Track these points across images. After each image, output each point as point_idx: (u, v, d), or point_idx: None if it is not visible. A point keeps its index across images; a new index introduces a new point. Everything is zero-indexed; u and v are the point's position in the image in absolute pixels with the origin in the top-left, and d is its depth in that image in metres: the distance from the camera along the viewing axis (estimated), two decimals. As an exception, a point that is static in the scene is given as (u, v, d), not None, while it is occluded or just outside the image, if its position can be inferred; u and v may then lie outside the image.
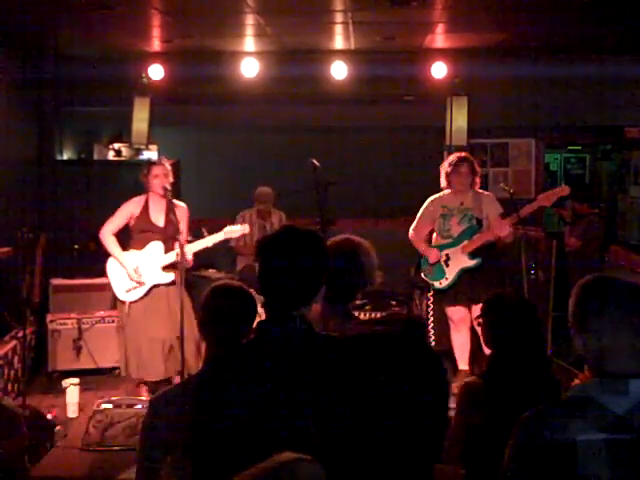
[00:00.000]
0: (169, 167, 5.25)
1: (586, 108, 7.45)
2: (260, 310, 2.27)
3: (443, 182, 5.49)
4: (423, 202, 5.65)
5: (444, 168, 5.49)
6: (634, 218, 7.73)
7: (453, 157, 5.49)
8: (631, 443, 1.61)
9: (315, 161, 5.62)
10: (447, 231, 5.46)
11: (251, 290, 2.77)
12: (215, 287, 2.87)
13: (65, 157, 7.93)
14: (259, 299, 2.29)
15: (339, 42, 6.75)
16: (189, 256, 5.12)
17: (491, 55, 6.99)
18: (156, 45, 6.86)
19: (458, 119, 6.91)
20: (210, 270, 6.88)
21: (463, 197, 5.40)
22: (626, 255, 6.07)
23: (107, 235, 5.21)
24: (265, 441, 1.80)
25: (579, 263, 6.49)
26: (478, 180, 5.53)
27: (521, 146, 7.66)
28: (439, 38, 6.55)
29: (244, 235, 5.78)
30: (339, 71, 6.91)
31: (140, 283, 5.18)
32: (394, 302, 6.79)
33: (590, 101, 7.40)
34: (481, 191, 5.58)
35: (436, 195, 5.59)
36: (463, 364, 5.52)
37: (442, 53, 6.88)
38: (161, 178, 5.14)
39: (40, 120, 7.48)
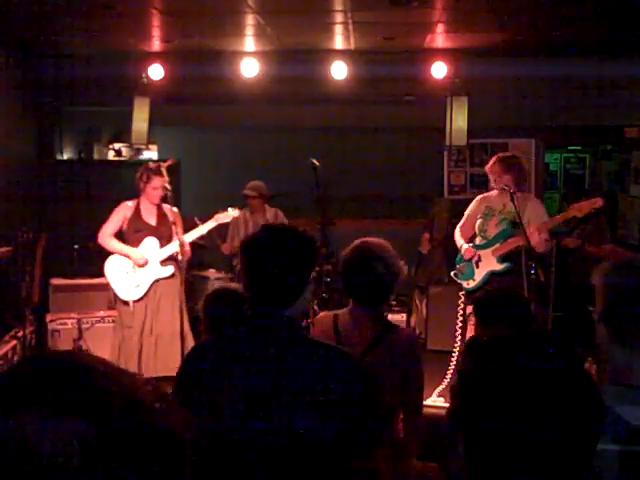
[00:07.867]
0: (166, 176, 5.28)
1: (586, 108, 7.44)
2: None
3: (491, 181, 5.23)
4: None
5: (488, 167, 5.24)
6: (634, 218, 7.72)
7: (495, 157, 5.23)
8: None
9: (315, 161, 5.62)
10: (484, 232, 5.26)
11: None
12: (208, 294, 2.98)
13: (65, 157, 7.93)
14: None
15: (339, 42, 6.75)
16: (186, 247, 5.22)
17: (491, 55, 6.99)
18: (156, 45, 6.86)
19: (458, 119, 6.89)
20: (210, 270, 6.89)
21: (507, 199, 5.01)
22: (625, 254, 6.06)
23: (106, 237, 5.29)
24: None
25: (579, 263, 6.49)
26: (526, 183, 5.31)
27: (521, 146, 7.64)
28: (439, 38, 6.55)
29: (238, 237, 5.83)
30: (339, 71, 6.90)
31: (145, 266, 5.24)
32: (394, 302, 6.79)
33: (590, 101, 7.40)
34: (529, 195, 5.37)
35: (484, 194, 5.41)
36: None
37: (442, 53, 6.87)
38: (160, 190, 5.21)
39: (40, 120, 7.49)
